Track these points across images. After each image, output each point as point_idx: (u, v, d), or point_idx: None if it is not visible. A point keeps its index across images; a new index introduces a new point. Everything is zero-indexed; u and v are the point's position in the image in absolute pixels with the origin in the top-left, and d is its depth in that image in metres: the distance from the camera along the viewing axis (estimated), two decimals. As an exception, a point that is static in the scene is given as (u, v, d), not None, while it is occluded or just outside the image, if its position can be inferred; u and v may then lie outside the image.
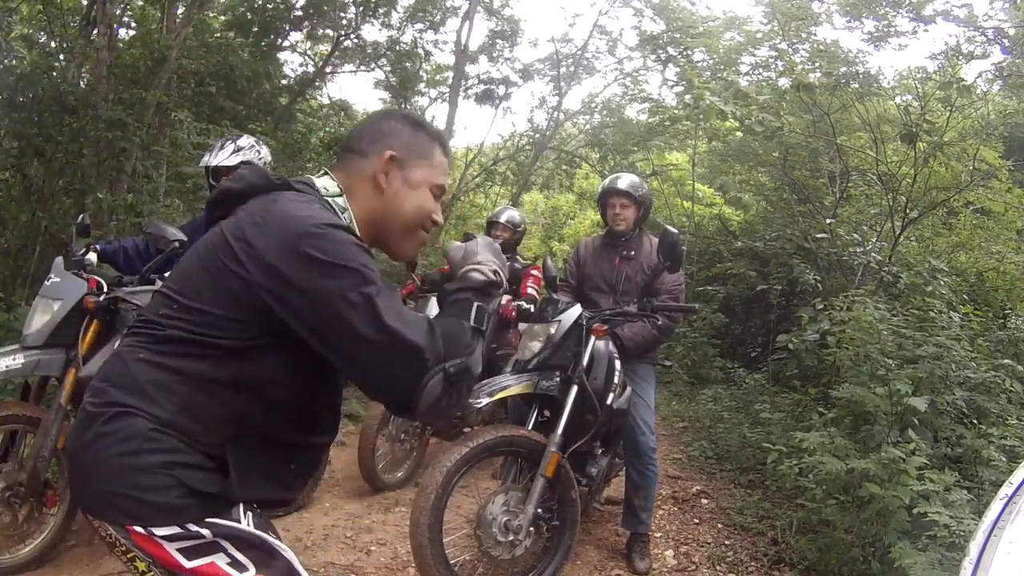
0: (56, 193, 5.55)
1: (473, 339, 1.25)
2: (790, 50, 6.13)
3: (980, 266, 6.59)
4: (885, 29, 6.00)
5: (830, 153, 6.67)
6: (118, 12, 6.55)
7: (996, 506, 1.22)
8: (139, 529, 1.14)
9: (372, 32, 13.53)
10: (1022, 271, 6.41)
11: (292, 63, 11.18)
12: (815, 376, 5.36)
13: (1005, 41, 5.54)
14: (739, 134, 8.34)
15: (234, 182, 1.31)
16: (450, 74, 11.68)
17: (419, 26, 10.71)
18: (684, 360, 8.35)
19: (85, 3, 6.20)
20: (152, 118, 5.98)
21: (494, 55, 12.04)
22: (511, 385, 2.77)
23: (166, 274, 2.63)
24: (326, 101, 11.02)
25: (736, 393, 6.68)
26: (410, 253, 1.44)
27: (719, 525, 3.84)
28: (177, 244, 2.69)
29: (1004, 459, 2.98)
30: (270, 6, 8.91)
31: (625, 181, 3.37)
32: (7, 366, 2.49)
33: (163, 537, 1.14)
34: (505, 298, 4.34)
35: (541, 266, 3.66)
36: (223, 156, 2.87)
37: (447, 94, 11.70)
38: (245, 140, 3.01)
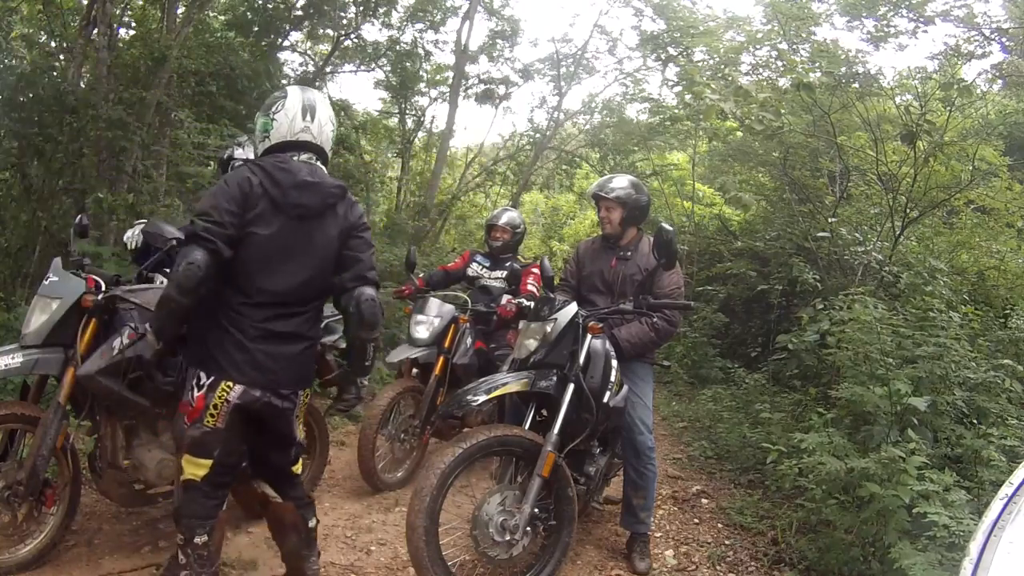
0: (56, 193, 5.55)
1: None
2: (790, 50, 6.12)
3: (981, 265, 6.58)
4: (885, 29, 5.99)
5: (830, 153, 6.66)
6: (118, 12, 6.56)
7: (996, 506, 1.22)
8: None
9: (372, 32, 13.55)
10: (1023, 269, 6.40)
11: (292, 63, 11.21)
12: (815, 376, 5.36)
13: (1004, 40, 5.53)
14: (739, 134, 8.34)
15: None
16: (450, 74, 11.69)
17: (419, 26, 10.72)
18: (684, 360, 8.36)
19: (85, 3, 6.20)
20: (152, 118, 5.98)
21: (494, 55, 12.05)
22: (508, 383, 2.75)
23: (167, 270, 2.63)
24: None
25: (736, 393, 6.67)
26: None
27: (719, 525, 3.84)
28: (175, 242, 2.70)
29: (1004, 459, 2.97)
30: (270, 6, 8.92)
31: (608, 184, 3.33)
32: (6, 365, 2.48)
33: None
34: (505, 298, 4.34)
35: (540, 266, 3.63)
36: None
37: (447, 94, 11.72)
38: None
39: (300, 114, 2.26)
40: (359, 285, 2.26)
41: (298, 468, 2.48)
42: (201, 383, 2.14)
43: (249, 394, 2.15)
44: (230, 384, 2.13)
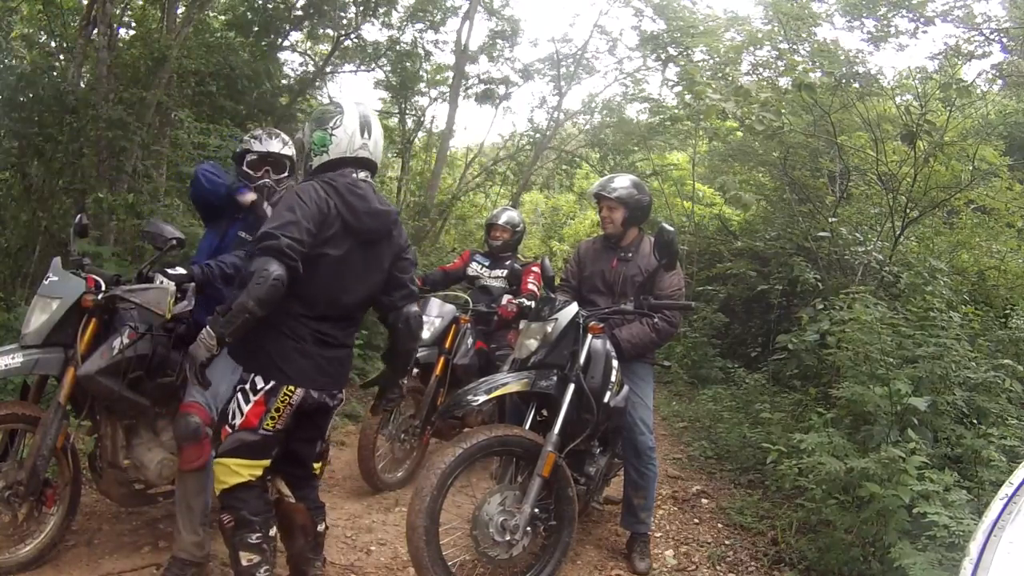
0: (56, 193, 5.55)
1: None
2: (791, 50, 6.12)
3: (981, 265, 6.58)
4: (885, 29, 5.99)
5: (830, 153, 6.66)
6: (118, 12, 6.56)
7: (996, 506, 1.22)
8: None
9: (372, 32, 13.58)
10: (1023, 269, 6.40)
11: (292, 63, 11.23)
12: (815, 376, 5.36)
13: (1005, 40, 5.53)
14: (739, 134, 8.33)
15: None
16: (450, 74, 11.69)
17: (419, 26, 10.73)
18: (684, 360, 8.36)
19: (85, 3, 6.20)
20: (152, 118, 5.98)
21: (494, 55, 12.06)
22: (509, 383, 2.75)
23: (168, 270, 2.63)
24: (326, 101, 11.03)
25: (736, 393, 6.68)
26: None
27: (719, 525, 3.84)
28: (175, 242, 2.70)
29: (1004, 459, 2.97)
30: (270, 6, 8.92)
31: (610, 183, 3.30)
32: (6, 365, 2.47)
33: None
34: (506, 298, 4.34)
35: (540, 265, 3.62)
36: (278, 145, 2.93)
37: (447, 94, 11.72)
38: (282, 136, 3.07)
39: (359, 131, 2.30)
40: (407, 304, 2.45)
41: (318, 468, 2.57)
42: (258, 388, 2.22)
43: (309, 396, 2.28)
44: (292, 388, 2.23)
